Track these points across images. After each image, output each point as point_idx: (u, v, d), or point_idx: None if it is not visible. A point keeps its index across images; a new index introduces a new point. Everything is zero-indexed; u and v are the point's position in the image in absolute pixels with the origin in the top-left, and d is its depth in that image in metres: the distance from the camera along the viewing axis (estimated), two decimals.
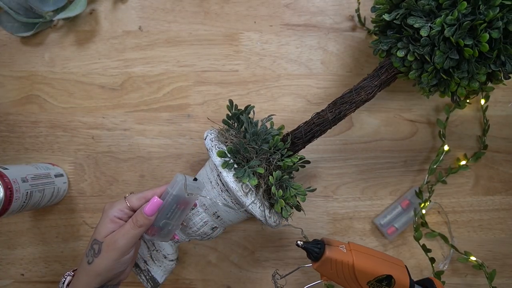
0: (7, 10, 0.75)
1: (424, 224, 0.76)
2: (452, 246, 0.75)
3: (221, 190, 0.63)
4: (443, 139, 0.78)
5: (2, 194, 0.62)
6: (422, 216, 0.77)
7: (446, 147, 0.77)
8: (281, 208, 0.61)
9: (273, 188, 0.59)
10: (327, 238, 0.60)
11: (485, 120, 0.79)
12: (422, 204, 0.76)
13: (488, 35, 0.53)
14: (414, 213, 0.76)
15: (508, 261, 0.80)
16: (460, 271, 0.79)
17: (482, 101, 0.79)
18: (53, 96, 0.79)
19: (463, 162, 0.79)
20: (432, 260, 0.75)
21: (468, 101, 0.76)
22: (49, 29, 0.80)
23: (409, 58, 0.59)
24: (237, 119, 0.66)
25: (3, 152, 0.79)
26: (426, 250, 0.74)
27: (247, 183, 0.60)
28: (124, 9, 0.80)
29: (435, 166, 0.77)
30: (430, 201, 0.77)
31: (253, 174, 0.59)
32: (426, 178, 0.78)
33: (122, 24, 0.80)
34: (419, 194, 0.77)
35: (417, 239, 0.75)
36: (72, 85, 0.79)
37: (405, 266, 0.59)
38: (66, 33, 0.80)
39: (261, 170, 0.59)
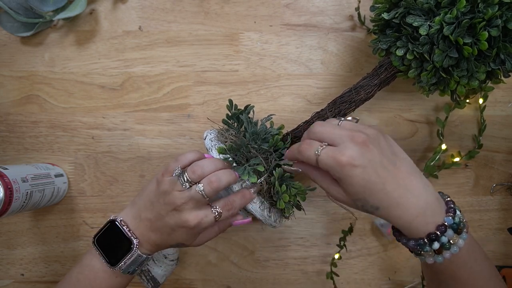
0: (7, 10, 0.75)
1: None
2: None
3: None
4: (441, 138, 0.77)
5: (2, 194, 0.62)
6: None
7: (443, 146, 0.77)
8: (284, 204, 0.61)
9: (276, 183, 0.60)
10: None
11: (482, 120, 0.79)
12: None
13: (487, 33, 0.53)
14: None
15: (509, 261, 0.79)
16: None
17: (480, 101, 0.79)
18: (53, 96, 0.79)
19: (456, 159, 0.79)
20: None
21: (467, 100, 0.76)
22: (49, 29, 0.80)
23: (408, 56, 0.59)
24: (237, 118, 0.66)
25: (3, 152, 0.79)
26: None
27: (247, 182, 0.60)
28: (124, 9, 0.80)
29: (431, 164, 0.77)
30: None
31: (253, 172, 0.59)
32: None
33: (122, 24, 0.80)
34: None
35: None
36: (72, 85, 0.79)
37: None
38: (66, 33, 0.80)
39: (261, 168, 0.59)
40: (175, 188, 0.55)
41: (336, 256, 0.78)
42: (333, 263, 0.78)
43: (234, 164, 0.60)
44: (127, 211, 0.59)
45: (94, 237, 0.58)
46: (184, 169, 0.57)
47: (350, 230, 0.77)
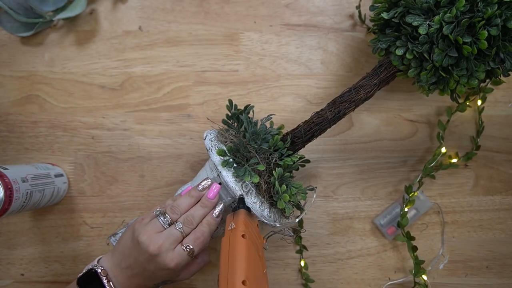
0: (7, 10, 0.75)
1: (404, 221, 0.75)
2: (412, 249, 0.74)
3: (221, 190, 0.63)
4: (441, 141, 0.77)
5: (2, 194, 0.62)
6: (404, 213, 0.75)
7: (443, 149, 0.77)
8: (285, 204, 0.60)
9: (276, 183, 0.59)
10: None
11: (480, 121, 0.79)
12: (411, 194, 0.76)
13: (486, 32, 0.53)
14: (403, 200, 0.77)
15: (508, 261, 0.79)
16: (459, 270, 0.79)
17: (479, 102, 0.79)
18: (53, 96, 0.79)
19: (454, 160, 0.79)
20: (415, 248, 0.73)
21: (468, 103, 0.76)
22: (49, 29, 0.80)
23: (408, 56, 0.59)
24: (237, 118, 0.66)
25: (3, 152, 0.79)
26: (410, 238, 0.73)
27: (247, 182, 0.60)
28: (124, 9, 0.80)
29: (430, 166, 0.76)
30: (417, 192, 0.76)
31: (253, 172, 0.59)
32: (419, 176, 0.77)
33: (122, 24, 0.80)
34: (408, 189, 0.76)
35: (402, 226, 0.74)
36: (72, 85, 0.80)
37: None
38: (66, 33, 0.80)
39: (261, 167, 0.59)
40: (151, 232, 0.58)
41: (302, 263, 0.79)
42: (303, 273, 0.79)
43: (235, 165, 0.60)
44: (109, 258, 0.61)
45: (79, 279, 0.59)
46: (163, 210, 0.61)
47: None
